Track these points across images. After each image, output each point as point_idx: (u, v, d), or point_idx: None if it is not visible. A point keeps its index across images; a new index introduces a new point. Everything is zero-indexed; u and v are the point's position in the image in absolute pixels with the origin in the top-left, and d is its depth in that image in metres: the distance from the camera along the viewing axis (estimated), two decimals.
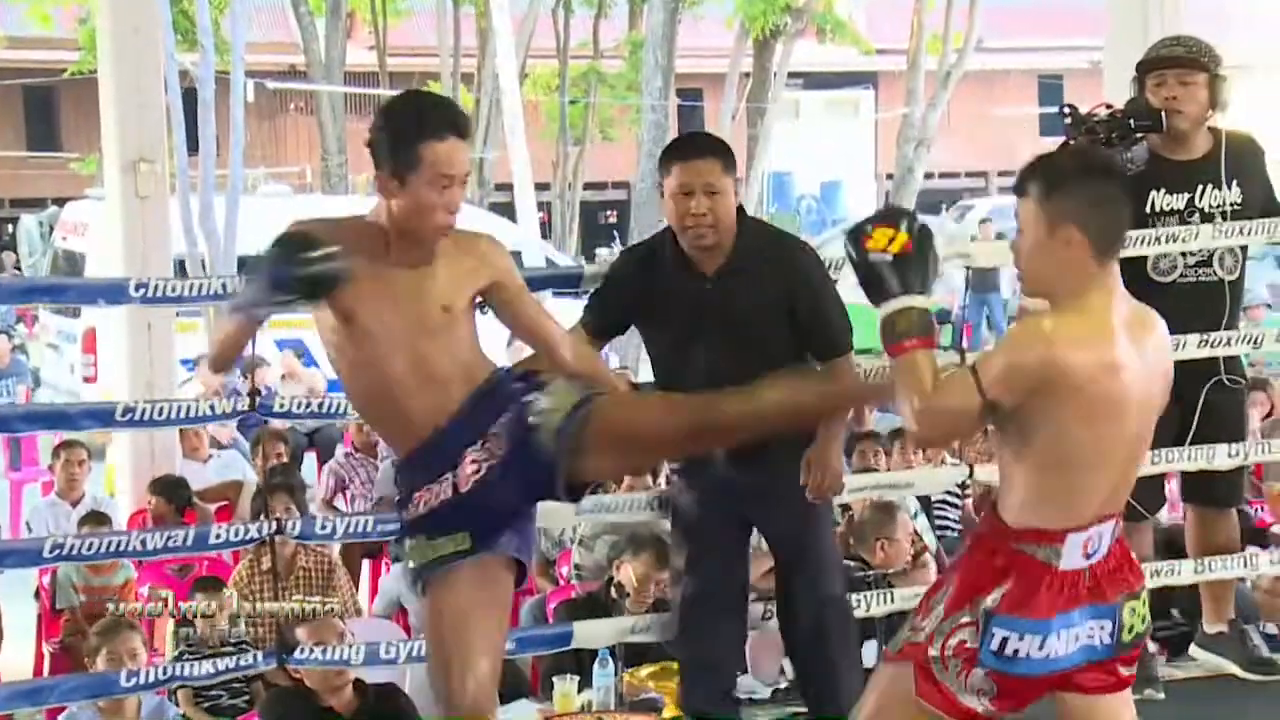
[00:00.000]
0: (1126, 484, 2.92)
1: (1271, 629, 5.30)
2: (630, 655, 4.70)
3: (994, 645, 2.82)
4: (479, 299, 3.36)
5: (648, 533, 5.35)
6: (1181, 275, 4.29)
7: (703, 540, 4.10)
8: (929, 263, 2.84)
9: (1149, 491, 4.33)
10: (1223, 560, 4.48)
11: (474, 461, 3.26)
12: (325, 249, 3.06)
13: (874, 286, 2.84)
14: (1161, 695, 4.31)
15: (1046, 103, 31.34)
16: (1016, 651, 2.81)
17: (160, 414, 4.15)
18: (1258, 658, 4.43)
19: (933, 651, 2.88)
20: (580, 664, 4.66)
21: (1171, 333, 4.30)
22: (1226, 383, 4.40)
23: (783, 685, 4.70)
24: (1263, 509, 6.97)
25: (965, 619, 2.85)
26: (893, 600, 4.65)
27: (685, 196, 3.82)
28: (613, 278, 4.12)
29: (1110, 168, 2.93)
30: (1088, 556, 2.82)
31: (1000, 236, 15.57)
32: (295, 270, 3.03)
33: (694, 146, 3.94)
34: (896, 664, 2.96)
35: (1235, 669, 4.43)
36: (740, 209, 3.93)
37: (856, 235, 2.86)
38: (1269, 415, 8.12)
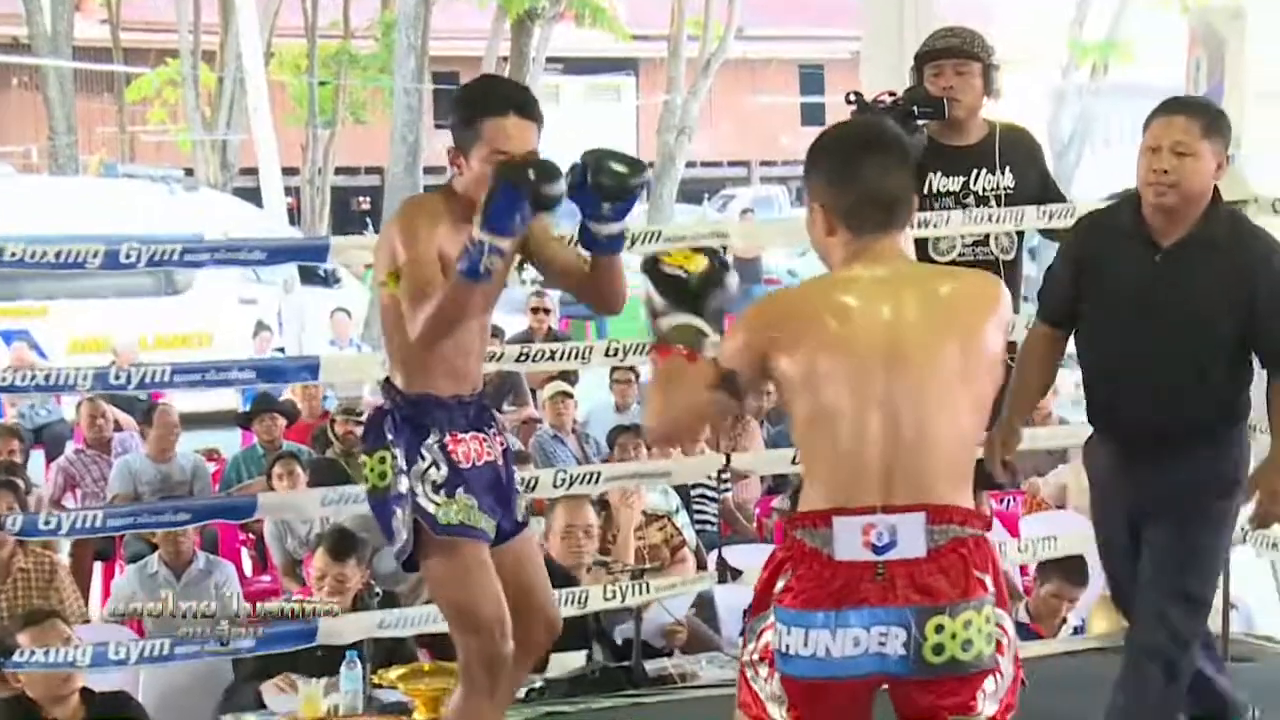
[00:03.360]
0: (912, 466, 2.65)
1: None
2: (379, 656, 4.66)
3: (778, 642, 2.66)
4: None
5: (331, 526, 5.35)
6: (960, 254, 4.50)
7: (1104, 525, 4.00)
8: (719, 285, 2.88)
9: None
10: None
11: (501, 443, 3.66)
12: (552, 167, 3.32)
13: (666, 298, 2.86)
14: None
15: (807, 92, 32.08)
16: (789, 647, 2.65)
17: None
18: None
19: (744, 656, 2.76)
20: (325, 665, 4.61)
21: None
22: (1008, 362, 4.61)
23: (537, 684, 4.72)
24: (1015, 500, 7.26)
25: (770, 619, 2.70)
26: (648, 590, 4.71)
27: (1152, 153, 3.70)
28: (1060, 249, 3.96)
29: (850, 139, 2.85)
30: (875, 549, 2.62)
31: None
32: (540, 189, 3.28)
33: (1174, 104, 3.80)
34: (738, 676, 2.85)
35: None
36: (1217, 191, 3.75)
37: (654, 255, 2.92)
38: None
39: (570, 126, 28.73)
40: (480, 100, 3.50)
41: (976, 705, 2.67)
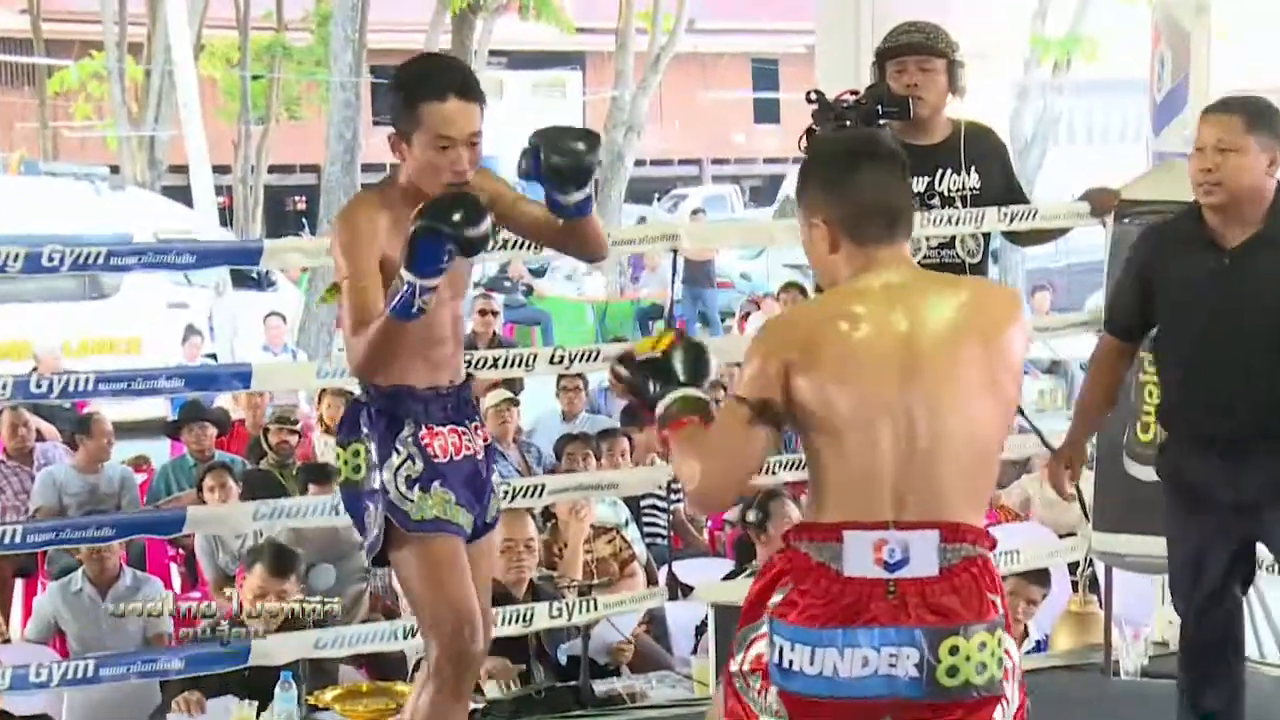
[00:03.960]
0: (927, 480, 2.65)
1: None
2: (315, 676, 4.63)
3: (777, 656, 2.67)
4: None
5: (266, 542, 5.30)
6: (925, 256, 4.52)
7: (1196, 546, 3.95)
8: (699, 354, 2.89)
9: None
10: None
11: (483, 437, 3.66)
12: (477, 208, 3.28)
13: (651, 384, 2.85)
14: None
15: (761, 87, 32.16)
16: (792, 664, 2.65)
17: None
18: None
19: (734, 666, 2.77)
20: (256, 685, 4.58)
21: None
22: None
23: (480, 705, 4.70)
24: None
25: (762, 629, 2.71)
26: (596, 608, 4.70)
27: (1198, 153, 3.78)
28: (1125, 261, 4.01)
29: (846, 151, 2.88)
30: (886, 566, 2.62)
31: None
32: (464, 233, 3.23)
33: (1220, 103, 3.90)
34: (723, 685, 2.86)
35: None
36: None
37: (621, 356, 2.94)
38: None
39: (515, 122, 28.77)
40: (417, 83, 3.45)
41: None
